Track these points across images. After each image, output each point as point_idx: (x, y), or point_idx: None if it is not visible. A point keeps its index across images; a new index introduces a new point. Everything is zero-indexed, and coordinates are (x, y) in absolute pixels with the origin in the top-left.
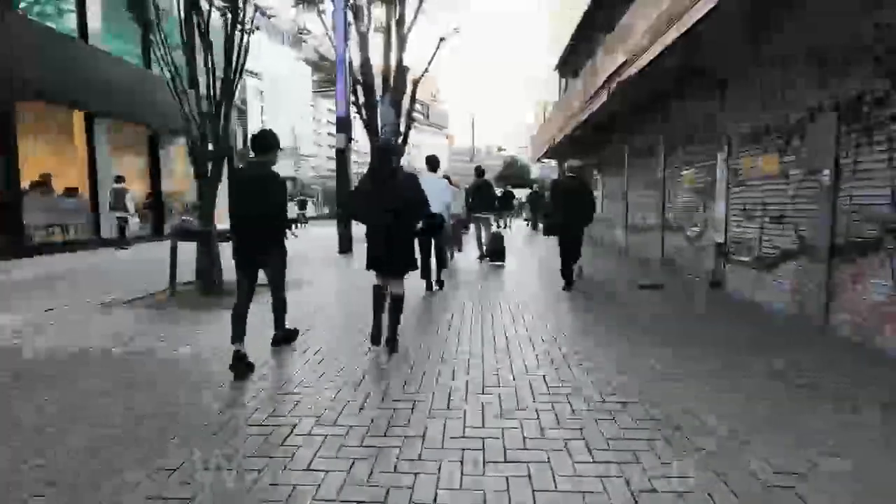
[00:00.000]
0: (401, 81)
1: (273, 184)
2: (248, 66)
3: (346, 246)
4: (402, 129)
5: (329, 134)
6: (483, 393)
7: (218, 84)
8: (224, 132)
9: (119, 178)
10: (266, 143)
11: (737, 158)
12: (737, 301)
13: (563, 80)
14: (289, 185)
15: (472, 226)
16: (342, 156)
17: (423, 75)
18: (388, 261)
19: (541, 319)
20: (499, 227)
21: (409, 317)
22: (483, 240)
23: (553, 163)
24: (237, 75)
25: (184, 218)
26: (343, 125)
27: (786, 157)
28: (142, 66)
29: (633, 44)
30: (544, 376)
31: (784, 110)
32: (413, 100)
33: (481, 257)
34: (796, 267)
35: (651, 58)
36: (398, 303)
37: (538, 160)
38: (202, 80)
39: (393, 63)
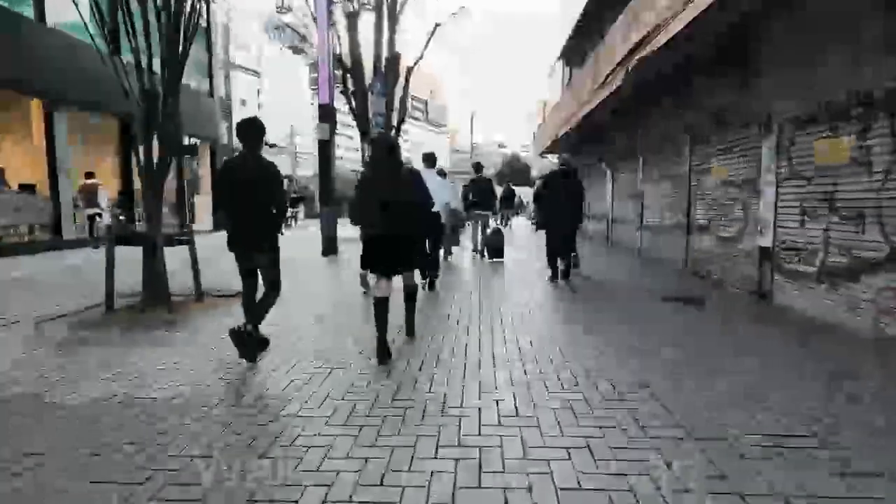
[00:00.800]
0: (393, 67)
1: (268, 180)
2: (245, 63)
3: (330, 248)
4: (395, 120)
5: None
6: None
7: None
8: (172, 115)
9: (89, 174)
10: (256, 132)
11: (791, 143)
12: (792, 319)
13: (568, 69)
14: (284, 182)
15: (469, 222)
16: (326, 148)
17: (417, 62)
18: (399, 260)
19: (548, 347)
20: (499, 224)
21: (393, 335)
22: (480, 237)
23: (555, 158)
24: (187, 45)
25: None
26: (326, 114)
27: (868, 140)
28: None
29: (655, 15)
30: (571, 457)
31: (862, 79)
32: (406, 88)
33: (480, 254)
34: (885, 280)
35: (677, 30)
36: (414, 294)
37: (541, 155)
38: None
39: (384, 47)
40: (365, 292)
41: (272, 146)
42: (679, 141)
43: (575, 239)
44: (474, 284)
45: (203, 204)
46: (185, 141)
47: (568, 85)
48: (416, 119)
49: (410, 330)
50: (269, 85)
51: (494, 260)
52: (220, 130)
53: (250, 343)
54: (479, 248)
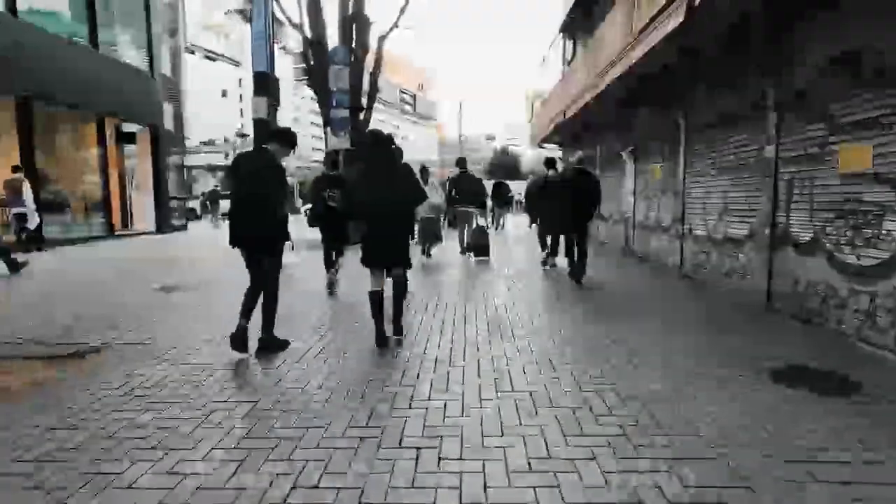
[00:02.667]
0: (360, 34)
1: (267, 173)
2: (230, 54)
3: None
4: (364, 101)
5: (312, 123)
6: None
7: None
8: None
9: (16, 168)
10: (272, 132)
11: None
12: None
13: (571, 43)
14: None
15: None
16: (264, 129)
17: (391, 30)
18: (395, 257)
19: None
20: (490, 226)
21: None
22: (466, 234)
23: (555, 147)
24: None
25: None
26: (262, 84)
27: None
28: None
29: None
30: None
31: None
32: (379, 63)
33: (463, 251)
34: None
35: None
36: (404, 287)
37: (539, 145)
38: None
39: (350, 9)
40: (330, 293)
41: (244, 136)
42: (757, 113)
43: (584, 242)
44: (444, 327)
45: (142, 201)
46: (125, 127)
47: (570, 62)
48: (404, 112)
49: (398, 328)
50: (251, 75)
51: (480, 259)
52: (162, 114)
53: (269, 348)
54: (465, 245)
